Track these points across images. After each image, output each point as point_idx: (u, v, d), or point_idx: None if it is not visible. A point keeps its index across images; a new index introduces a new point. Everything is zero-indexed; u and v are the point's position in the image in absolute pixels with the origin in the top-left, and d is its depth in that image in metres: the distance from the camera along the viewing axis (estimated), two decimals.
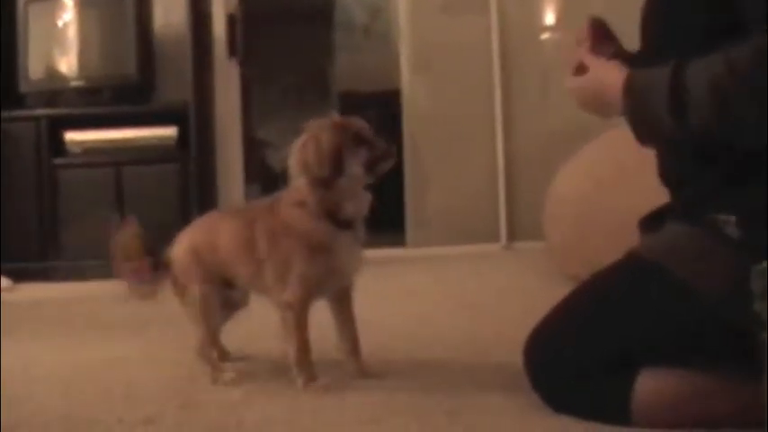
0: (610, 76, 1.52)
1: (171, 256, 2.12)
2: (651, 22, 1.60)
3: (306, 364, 1.89)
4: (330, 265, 1.91)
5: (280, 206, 1.94)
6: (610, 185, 3.16)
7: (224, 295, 2.08)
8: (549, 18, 5.80)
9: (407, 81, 5.98)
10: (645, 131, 1.47)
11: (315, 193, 1.87)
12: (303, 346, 1.90)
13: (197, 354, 2.04)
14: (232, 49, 5.61)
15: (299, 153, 1.89)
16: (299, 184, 1.90)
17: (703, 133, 1.39)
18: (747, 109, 1.32)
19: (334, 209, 1.89)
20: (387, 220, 6.36)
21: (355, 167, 1.88)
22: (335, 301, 2.01)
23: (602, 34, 1.67)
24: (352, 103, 8.57)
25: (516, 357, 1.63)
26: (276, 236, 1.92)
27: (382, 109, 7.28)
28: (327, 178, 1.86)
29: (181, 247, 2.12)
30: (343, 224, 1.91)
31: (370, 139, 1.92)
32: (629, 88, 1.46)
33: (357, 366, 1.99)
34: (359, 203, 1.93)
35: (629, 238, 1.65)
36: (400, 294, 3.63)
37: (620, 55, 1.64)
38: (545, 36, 5.80)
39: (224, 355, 2.18)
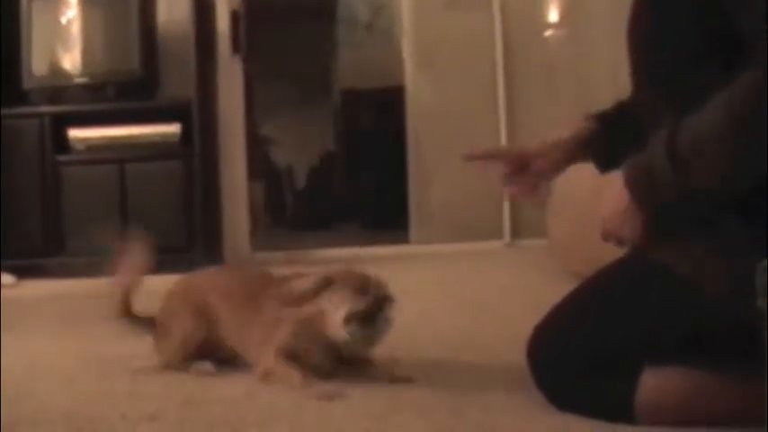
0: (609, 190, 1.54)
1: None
2: (642, 45, 1.58)
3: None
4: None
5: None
6: (613, 183, 3.15)
7: None
8: (553, 15, 5.80)
9: (411, 77, 5.98)
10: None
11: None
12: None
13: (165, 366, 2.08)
14: (235, 46, 5.61)
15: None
16: None
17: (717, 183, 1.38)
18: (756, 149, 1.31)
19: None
20: (390, 218, 6.39)
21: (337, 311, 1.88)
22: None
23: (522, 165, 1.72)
24: (356, 99, 8.59)
25: (520, 355, 1.63)
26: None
27: (385, 105, 7.30)
28: None
29: None
30: None
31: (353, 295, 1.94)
32: (633, 184, 1.46)
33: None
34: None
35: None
36: (403, 291, 3.61)
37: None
38: (548, 33, 5.80)
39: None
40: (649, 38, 1.53)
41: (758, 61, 1.29)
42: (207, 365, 2.03)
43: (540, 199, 1.85)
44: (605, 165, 1.79)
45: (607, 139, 1.75)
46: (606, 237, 1.56)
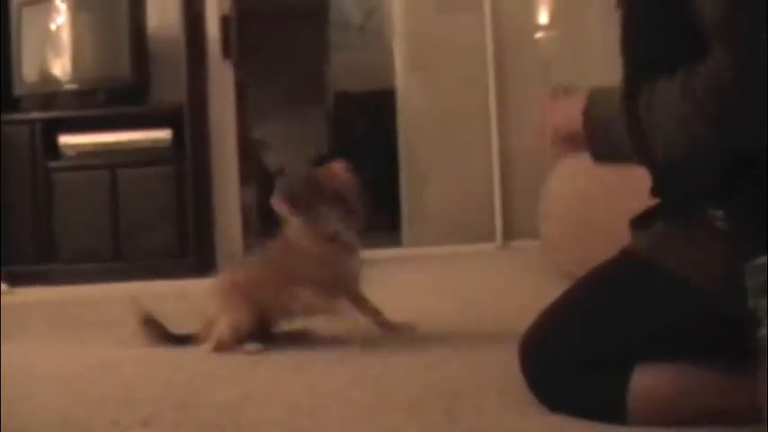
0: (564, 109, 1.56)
1: None
2: (628, 46, 1.60)
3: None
4: (330, 271, 2.40)
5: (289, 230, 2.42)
6: (605, 184, 3.16)
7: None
8: (543, 17, 5.81)
9: (402, 80, 5.99)
10: (605, 154, 1.51)
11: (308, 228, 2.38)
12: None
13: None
14: (226, 50, 5.61)
15: (282, 203, 2.37)
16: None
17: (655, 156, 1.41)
18: (707, 132, 1.33)
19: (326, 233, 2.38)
20: (383, 220, 6.40)
21: (331, 220, 2.36)
22: (357, 306, 2.49)
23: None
24: (348, 102, 8.59)
25: (512, 356, 1.63)
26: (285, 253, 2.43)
27: (377, 108, 7.31)
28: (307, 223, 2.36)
29: None
30: (335, 239, 2.39)
31: (344, 198, 2.37)
32: (588, 111, 1.49)
33: (388, 328, 2.47)
34: (345, 228, 2.41)
35: (625, 237, 1.65)
36: (397, 294, 3.63)
37: None
38: (539, 35, 5.81)
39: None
40: (628, 26, 1.55)
41: (718, 46, 1.30)
42: (255, 345, 2.31)
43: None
44: None
45: None
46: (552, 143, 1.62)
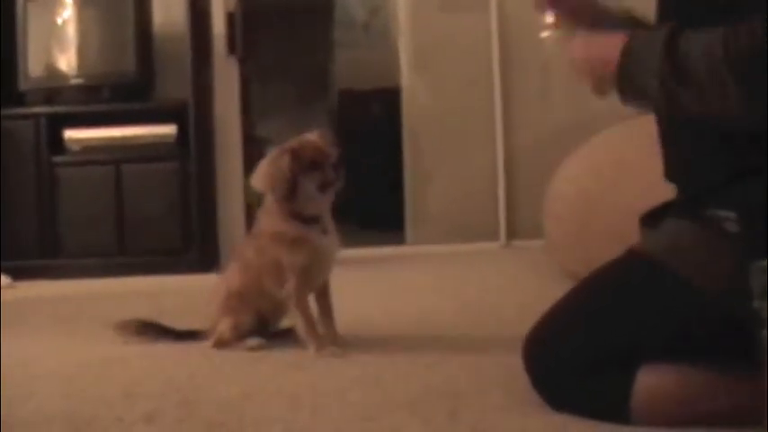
0: (611, 41, 1.51)
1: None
2: (664, 9, 1.60)
3: (314, 334, 2.29)
4: (308, 254, 2.30)
5: (260, 224, 2.40)
6: (609, 183, 3.16)
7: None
8: (549, 16, 5.79)
9: (407, 78, 5.98)
10: (630, 93, 1.48)
11: (279, 205, 2.31)
12: (309, 321, 2.31)
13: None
14: (231, 47, 5.60)
15: (261, 176, 2.33)
16: (268, 200, 2.35)
17: (688, 110, 1.40)
18: (738, 96, 1.32)
19: (298, 213, 2.30)
20: (386, 218, 6.40)
21: (309, 188, 2.28)
22: (317, 297, 2.41)
23: None
24: (352, 100, 8.58)
25: (516, 355, 1.63)
26: (262, 247, 2.37)
27: (382, 106, 7.30)
28: (285, 196, 2.27)
29: None
30: (310, 221, 2.32)
31: (322, 166, 2.30)
32: (627, 49, 1.46)
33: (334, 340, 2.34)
34: (317, 206, 2.33)
35: (630, 236, 1.65)
36: (399, 292, 3.63)
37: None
38: (545, 34, 5.80)
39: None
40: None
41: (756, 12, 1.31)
42: (257, 340, 2.35)
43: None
44: None
45: None
46: (579, 75, 1.60)
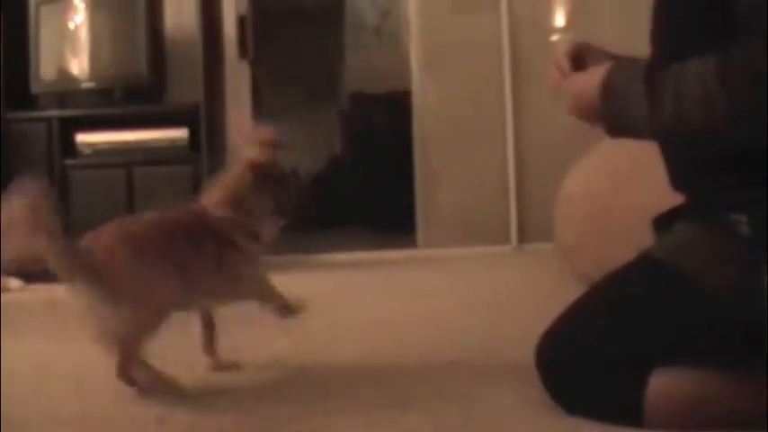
0: (594, 76, 1.52)
1: None
2: (657, 30, 1.60)
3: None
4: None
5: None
6: (621, 185, 3.16)
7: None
8: (560, 19, 5.80)
9: (418, 81, 5.98)
10: (621, 130, 1.49)
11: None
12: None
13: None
14: (243, 50, 5.62)
15: (218, 190, 2.10)
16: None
17: (675, 139, 1.40)
18: (738, 121, 1.32)
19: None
20: (397, 221, 6.39)
21: (263, 208, 2.06)
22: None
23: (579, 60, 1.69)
24: (363, 103, 8.59)
25: (528, 358, 1.63)
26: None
27: (393, 109, 7.30)
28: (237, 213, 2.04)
29: None
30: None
31: (280, 185, 2.10)
32: (606, 84, 1.47)
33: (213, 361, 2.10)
34: (265, 234, 2.09)
35: (641, 239, 1.65)
36: (411, 295, 3.63)
37: None
38: (555, 37, 5.80)
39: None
40: (660, 15, 1.55)
41: (753, 33, 1.30)
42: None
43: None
44: None
45: None
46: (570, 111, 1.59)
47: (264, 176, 2.07)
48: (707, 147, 1.40)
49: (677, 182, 1.60)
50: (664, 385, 1.44)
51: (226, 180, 2.10)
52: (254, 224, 2.06)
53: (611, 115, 1.47)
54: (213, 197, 2.10)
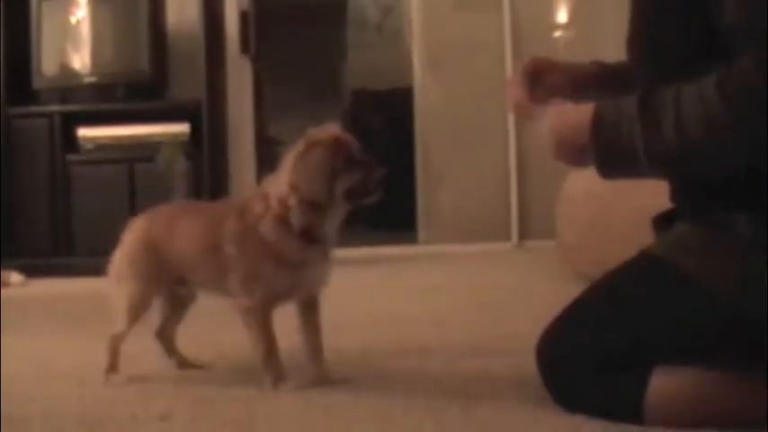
0: (570, 117, 1.49)
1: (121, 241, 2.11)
2: (635, 47, 1.60)
3: (273, 363, 1.85)
4: (297, 279, 1.87)
5: (251, 212, 1.87)
6: (621, 187, 3.14)
7: (172, 294, 2.09)
8: (562, 15, 5.80)
9: (420, 79, 5.98)
10: (615, 167, 1.45)
11: (301, 214, 1.81)
12: (269, 347, 1.86)
13: (109, 344, 2.02)
14: (245, 47, 5.62)
15: (294, 170, 1.82)
16: (284, 198, 1.82)
17: (678, 164, 1.39)
18: (739, 138, 1.32)
19: (312, 227, 1.83)
20: (398, 218, 6.40)
21: (339, 192, 1.82)
22: (303, 307, 1.94)
23: (537, 77, 1.70)
24: (365, 100, 8.59)
25: (529, 355, 1.63)
26: (246, 243, 1.86)
27: (394, 106, 7.30)
28: (319, 203, 1.81)
29: (133, 236, 2.08)
30: (316, 240, 1.85)
31: (363, 165, 1.85)
32: (597, 122, 1.44)
33: (318, 372, 1.91)
34: (334, 223, 1.88)
35: (642, 237, 1.65)
36: (412, 292, 3.63)
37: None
38: (557, 34, 5.80)
39: (182, 363, 2.14)
40: (643, 33, 1.54)
41: (751, 53, 1.30)
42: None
43: (529, 115, 1.81)
44: None
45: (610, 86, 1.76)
46: (554, 155, 1.55)
47: (340, 152, 1.82)
48: (714, 167, 1.39)
49: (679, 197, 1.60)
50: (664, 384, 1.44)
51: (295, 157, 1.83)
52: (320, 217, 1.83)
53: (606, 154, 1.43)
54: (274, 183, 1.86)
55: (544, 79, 1.75)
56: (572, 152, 1.50)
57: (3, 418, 1.65)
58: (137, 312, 2.02)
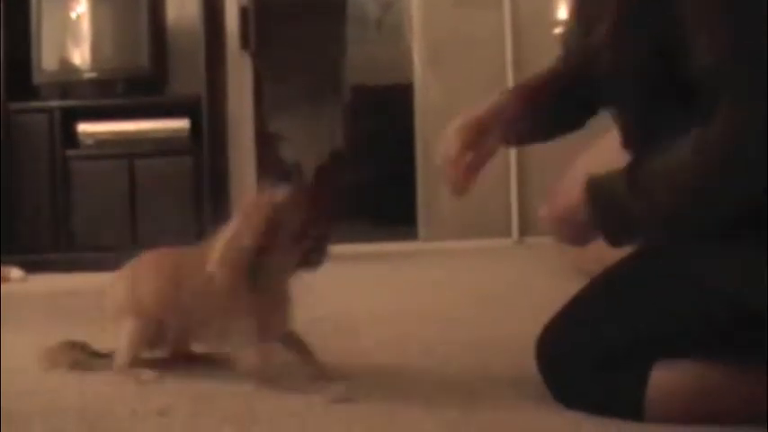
0: (571, 190, 1.53)
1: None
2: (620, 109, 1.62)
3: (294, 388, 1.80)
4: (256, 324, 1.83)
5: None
6: None
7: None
8: (562, 12, 5.79)
9: (420, 75, 5.97)
10: (622, 239, 1.48)
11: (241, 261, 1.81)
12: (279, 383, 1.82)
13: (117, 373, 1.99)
14: (245, 42, 5.62)
15: (222, 247, 1.83)
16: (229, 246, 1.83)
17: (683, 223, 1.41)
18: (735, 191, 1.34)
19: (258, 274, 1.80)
20: (399, 214, 6.39)
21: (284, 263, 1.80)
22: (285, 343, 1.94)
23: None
24: (365, 96, 8.59)
25: (529, 352, 1.63)
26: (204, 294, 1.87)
27: (394, 102, 7.30)
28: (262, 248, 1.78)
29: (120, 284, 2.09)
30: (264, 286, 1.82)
31: (305, 235, 1.80)
32: (593, 195, 1.47)
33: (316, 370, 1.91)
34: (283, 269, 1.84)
35: None
36: (412, 288, 3.63)
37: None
38: (558, 30, 5.79)
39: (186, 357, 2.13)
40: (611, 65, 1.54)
41: (728, 104, 1.30)
42: (150, 373, 1.96)
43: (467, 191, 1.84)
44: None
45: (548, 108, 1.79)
46: (554, 231, 1.59)
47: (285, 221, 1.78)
48: (715, 213, 1.39)
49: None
50: (665, 379, 1.44)
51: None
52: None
53: (612, 231, 1.46)
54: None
55: (480, 141, 1.78)
56: (579, 236, 1.54)
57: (3, 413, 1.65)
58: (137, 349, 2.03)
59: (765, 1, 1.30)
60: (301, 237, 1.79)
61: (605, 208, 1.44)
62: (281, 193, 1.82)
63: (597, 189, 1.47)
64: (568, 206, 1.52)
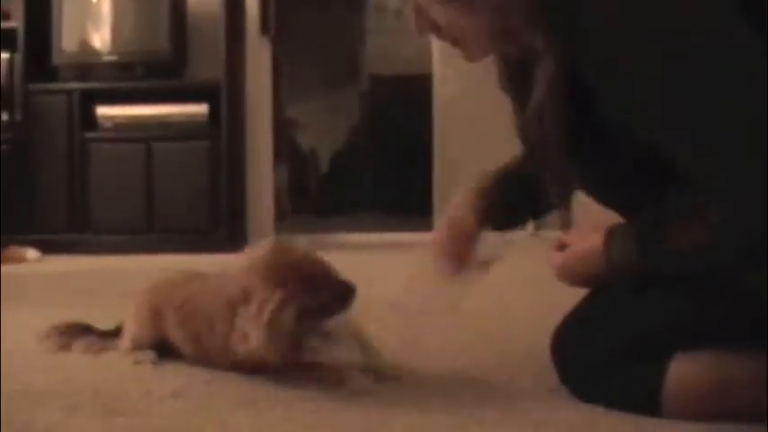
0: (586, 241, 1.63)
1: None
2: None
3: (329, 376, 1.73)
4: None
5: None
6: None
7: None
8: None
9: (438, 65, 5.96)
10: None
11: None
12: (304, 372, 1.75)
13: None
14: (264, 27, 5.61)
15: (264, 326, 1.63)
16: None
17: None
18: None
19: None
20: (415, 205, 6.38)
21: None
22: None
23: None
24: (383, 85, 8.58)
25: (544, 344, 1.62)
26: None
27: (412, 92, 7.30)
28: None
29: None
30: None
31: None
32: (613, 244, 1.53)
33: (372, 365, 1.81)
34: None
35: None
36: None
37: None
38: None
39: None
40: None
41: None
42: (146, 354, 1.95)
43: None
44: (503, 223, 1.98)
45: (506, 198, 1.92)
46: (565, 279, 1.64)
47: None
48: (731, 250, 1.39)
49: None
50: (683, 371, 1.42)
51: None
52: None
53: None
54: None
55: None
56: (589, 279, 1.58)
57: (19, 390, 1.66)
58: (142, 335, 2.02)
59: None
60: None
61: (626, 264, 1.48)
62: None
63: (616, 244, 1.53)
64: (583, 257, 1.59)
